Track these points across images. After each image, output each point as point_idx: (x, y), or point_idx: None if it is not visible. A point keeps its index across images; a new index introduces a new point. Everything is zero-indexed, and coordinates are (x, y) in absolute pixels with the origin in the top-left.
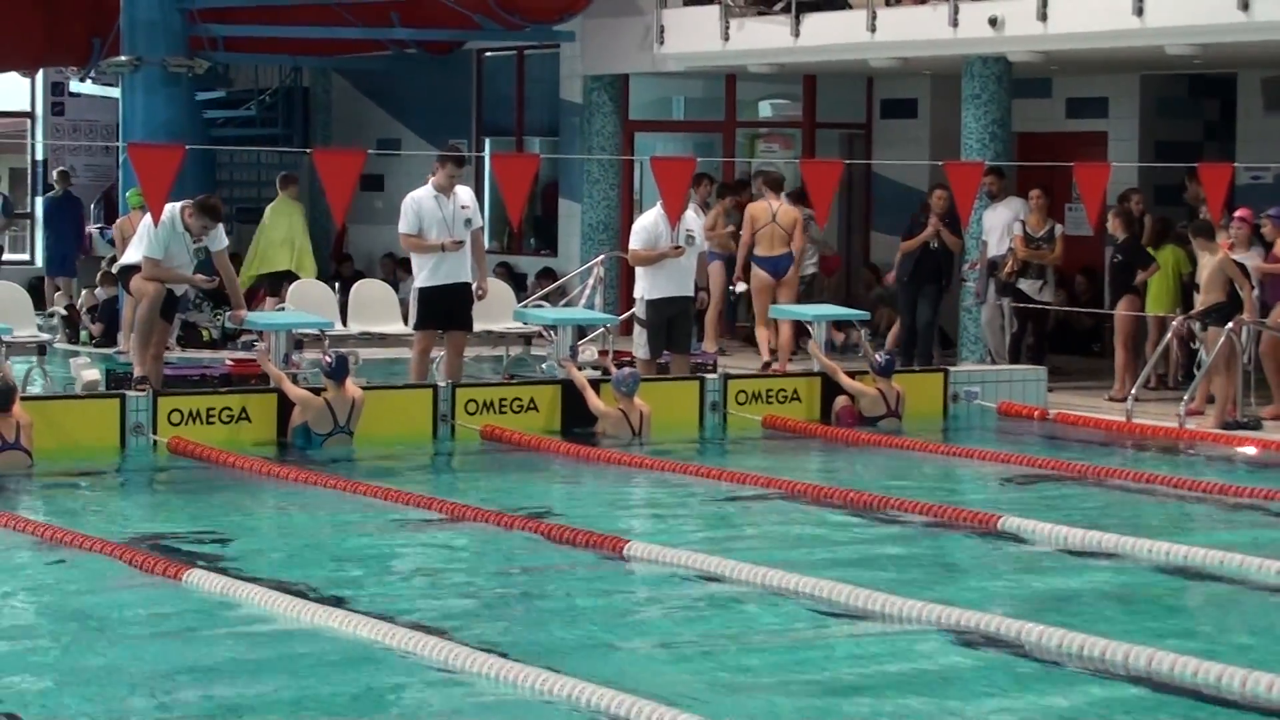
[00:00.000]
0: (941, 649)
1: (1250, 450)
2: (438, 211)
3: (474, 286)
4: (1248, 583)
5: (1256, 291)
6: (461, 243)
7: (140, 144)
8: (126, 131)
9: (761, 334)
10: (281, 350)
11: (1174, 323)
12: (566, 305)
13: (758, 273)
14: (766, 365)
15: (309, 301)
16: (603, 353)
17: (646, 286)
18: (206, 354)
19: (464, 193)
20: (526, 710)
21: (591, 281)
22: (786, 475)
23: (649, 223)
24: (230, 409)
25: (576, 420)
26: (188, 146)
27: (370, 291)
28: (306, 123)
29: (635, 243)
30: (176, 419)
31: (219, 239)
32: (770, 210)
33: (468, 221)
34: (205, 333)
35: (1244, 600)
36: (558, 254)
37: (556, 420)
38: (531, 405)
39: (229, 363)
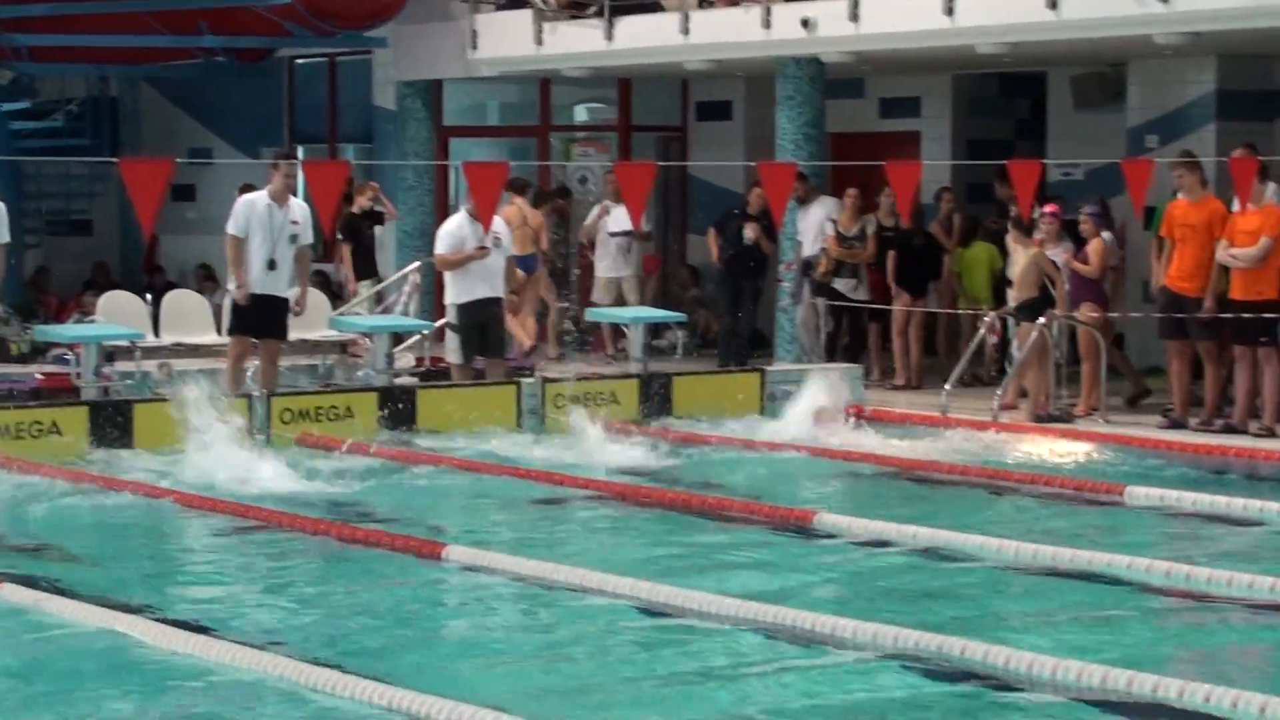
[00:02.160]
0: (765, 648)
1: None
2: (268, 219)
3: (292, 302)
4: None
5: (1067, 286)
6: (275, 264)
7: None
8: None
9: (515, 324)
10: (92, 362)
11: (986, 318)
12: (383, 312)
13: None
14: (529, 352)
15: (120, 313)
16: (419, 360)
17: (456, 291)
18: (16, 369)
19: (297, 207)
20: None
21: (408, 289)
22: (605, 476)
23: (453, 227)
24: (40, 423)
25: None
26: None
27: (182, 302)
28: (115, 133)
29: (440, 247)
30: None
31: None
32: (522, 213)
33: (294, 237)
34: (15, 347)
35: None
36: None
37: (375, 426)
38: (348, 412)
39: (39, 376)
